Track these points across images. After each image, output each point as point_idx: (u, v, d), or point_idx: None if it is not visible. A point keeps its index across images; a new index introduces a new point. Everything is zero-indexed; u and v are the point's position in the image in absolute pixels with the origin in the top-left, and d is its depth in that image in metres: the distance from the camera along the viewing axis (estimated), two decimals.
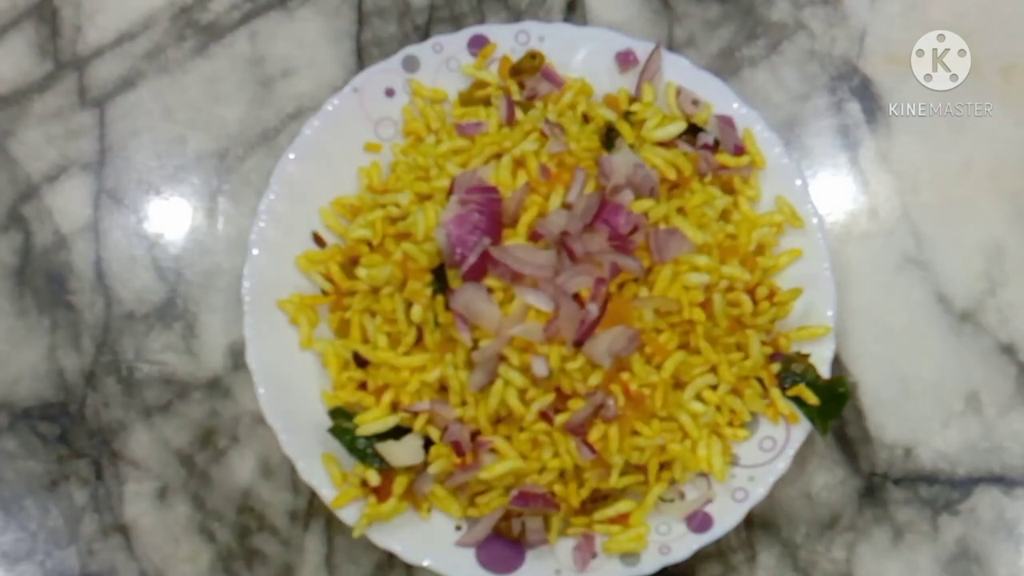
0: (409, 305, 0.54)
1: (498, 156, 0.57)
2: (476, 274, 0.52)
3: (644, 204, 0.55)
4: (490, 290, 0.52)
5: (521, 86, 0.62)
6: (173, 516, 0.59)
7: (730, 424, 0.56)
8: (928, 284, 0.64)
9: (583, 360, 0.52)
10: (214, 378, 0.62)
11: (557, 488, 0.54)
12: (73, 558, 0.59)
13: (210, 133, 0.67)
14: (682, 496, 0.55)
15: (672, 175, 0.57)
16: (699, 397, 0.55)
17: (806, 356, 0.56)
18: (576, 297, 0.52)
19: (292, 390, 0.56)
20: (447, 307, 0.52)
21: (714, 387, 0.55)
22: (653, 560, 0.53)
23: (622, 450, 0.53)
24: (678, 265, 0.54)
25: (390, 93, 0.61)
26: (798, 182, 0.60)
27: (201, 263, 0.64)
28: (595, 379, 0.52)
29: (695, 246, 0.54)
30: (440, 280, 0.53)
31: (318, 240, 0.59)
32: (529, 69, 0.61)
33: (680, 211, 0.56)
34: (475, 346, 0.52)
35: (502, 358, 0.52)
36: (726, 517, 0.54)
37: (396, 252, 0.55)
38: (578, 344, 0.51)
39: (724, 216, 0.59)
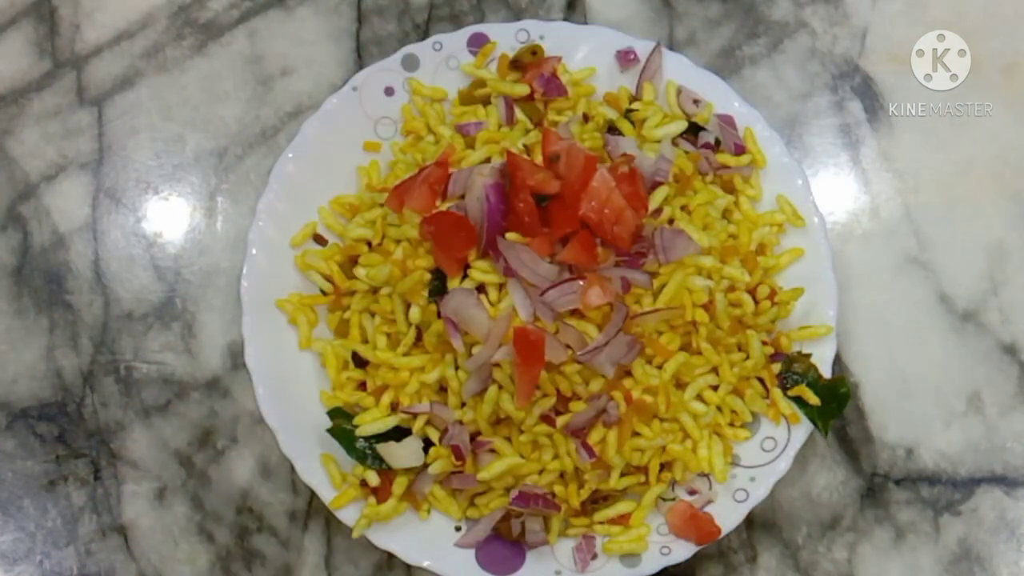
0: (408, 305, 0.54)
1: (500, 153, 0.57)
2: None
3: (661, 194, 0.55)
4: (482, 290, 0.52)
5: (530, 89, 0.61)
6: (172, 516, 0.59)
7: (731, 424, 0.56)
8: (930, 284, 0.64)
9: (582, 365, 0.52)
10: (213, 378, 0.61)
11: (557, 489, 0.53)
12: (71, 558, 0.59)
13: (209, 132, 0.67)
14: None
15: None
16: (700, 397, 0.55)
17: (807, 356, 0.56)
18: (575, 312, 0.52)
19: (291, 390, 0.56)
20: (439, 315, 0.52)
21: (715, 387, 0.55)
22: (654, 561, 0.53)
23: (622, 453, 0.53)
24: (683, 267, 0.54)
25: (389, 92, 0.61)
26: (799, 181, 0.59)
27: (200, 262, 0.64)
28: (596, 385, 0.52)
29: (701, 248, 0.54)
30: (439, 280, 0.53)
31: (318, 239, 0.59)
32: (530, 64, 0.61)
33: (684, 209, 0.56)
34: (468, 352, 0.52)
35: (496, 364, 0.52)
36: (727, 518, 0.54)
37: (396, 252, 0.55)
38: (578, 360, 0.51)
39: (725, 215, 0.59)
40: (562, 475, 0.54)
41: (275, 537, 0.59)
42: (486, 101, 0.61)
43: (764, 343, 0.56)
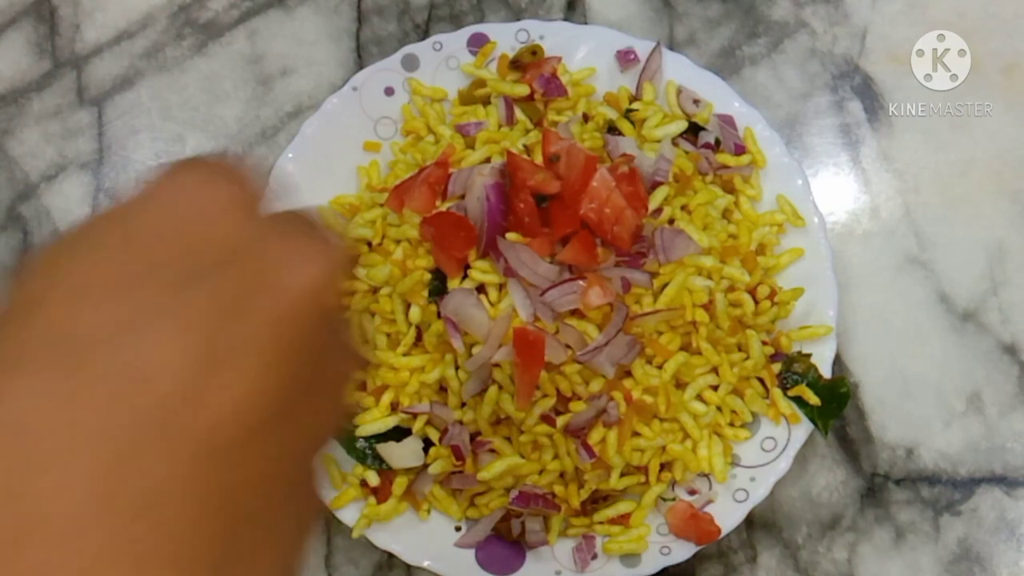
0: (408, 305, 0.54)
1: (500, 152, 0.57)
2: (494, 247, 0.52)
3: (661, 194, 0.55)
4: (482, 290, 0.52)
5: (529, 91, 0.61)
6: None
7: (731, 424, 0.56)
8: (930, 284, 0.64)
9: (582, 365, 0.52)
10: None
11: (557, 489, 0.53)
12: None
13: (209, 132, 0.67)
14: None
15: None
16: (700, 397, 0.55)
17: (807, 356, 0.56)
18: (575, 312, 0.51)
19: None
20: (439, 315, 0.52)
21: (715, 387, 0.55)
22: (654, 561, 0.53)
23: (622, 453, 0.52)
24: (684, 268, 0.54)
25: (389, 92, 0.61)
26: (799, 181, 0.59)
27: None
28: (596, 385, 0.52)
29: (701, 248, 0.54)
30: (439, 280, 0.53)
31: None
32: (530, 64, 0.61)
33: (684, 209, 0.56)
34: (468, 352, 0.52)
35: (496, 364, 0.52)
36: (727, 518, 0.54)
37: (395, 252, 0.55)
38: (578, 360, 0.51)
39: (725, 215, 0.58)
40: (562, 475, 0.54)
41: None
42: (486, 101, 0.61)
43: (764, 343, 0.56)
